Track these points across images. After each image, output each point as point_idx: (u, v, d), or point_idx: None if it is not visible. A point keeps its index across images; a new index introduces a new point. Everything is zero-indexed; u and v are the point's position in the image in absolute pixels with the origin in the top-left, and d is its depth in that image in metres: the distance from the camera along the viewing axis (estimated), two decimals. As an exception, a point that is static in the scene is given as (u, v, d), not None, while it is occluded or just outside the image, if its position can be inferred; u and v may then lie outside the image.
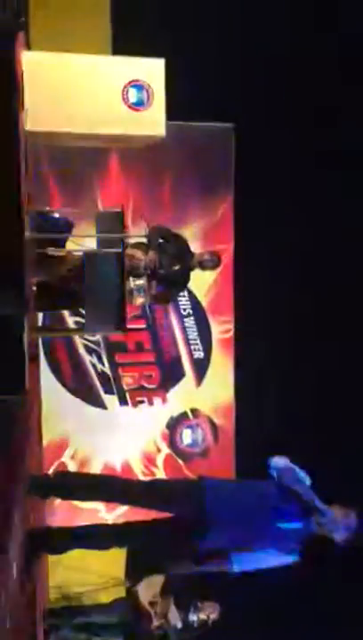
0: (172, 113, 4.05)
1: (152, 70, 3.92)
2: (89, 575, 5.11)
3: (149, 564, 4.16)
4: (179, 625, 4.21)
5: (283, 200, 5.17)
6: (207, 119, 5.20)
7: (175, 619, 4.21)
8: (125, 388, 5.37)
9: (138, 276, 3.76)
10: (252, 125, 5.08)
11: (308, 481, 2.90)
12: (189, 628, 4.24)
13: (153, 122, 3.91)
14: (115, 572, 5.15)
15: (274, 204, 5.16)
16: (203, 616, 4.26)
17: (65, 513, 4.62)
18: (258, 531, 2.80)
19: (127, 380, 5.37)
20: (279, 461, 2.93)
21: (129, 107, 3.87)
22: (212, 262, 3.85)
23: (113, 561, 5.06)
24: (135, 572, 4.41)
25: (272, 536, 2.79)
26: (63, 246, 3.84)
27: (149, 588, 4.30)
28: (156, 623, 4.20)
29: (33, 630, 3.01)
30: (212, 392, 5.55)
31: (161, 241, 3.78)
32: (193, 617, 4.25)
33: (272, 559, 2.86)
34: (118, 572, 5.18)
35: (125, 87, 3.87)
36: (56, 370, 5.21)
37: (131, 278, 3.72)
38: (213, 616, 4.28)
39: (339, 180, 5.05)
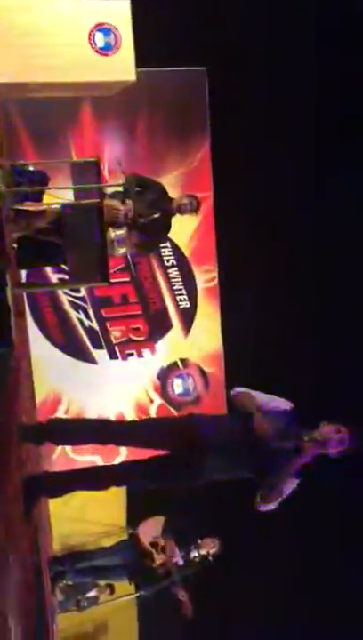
0: (141, 59, 3.96)
1: (118, 12, 3.81)
2: (91, 525, 5.24)
3: (149, 504, 4.26)
4: (181, 562, 4.36)
5: (260, 144, 5.10)
6: (179, 64, 5.08)
7: (177, 556, 4.36)
8: (114, 341, 5.40)
9: (118, 227, 3.72)
10: (225, 68, 4.97)
11: (287, 406, 2.96)
12: (191, 564, 4.40)
13: (122, 66, 3.83)
14: (116, 520, 5.30)
15: (252, 149, 5.09)
16: (203, 552, 4.41)
17: (61, 466, 4.69)
18: (248, 457, 2.86)
19: (115, 334, 5.40)
20: (235, 391, 3.02)
21: (97, 52, 3.78)
22: (191, 206, 3.80)
23: (114, 509, 5.20)
24: (136, 514, 4.52)
25: (262, 460, 2.84)
26: (40, 200, 3.78)
27: (149, 529, 4.43)
28: (158, 562, 4.34)
29: (38, 577, 3.10)
30: (200, 341, 5.59)
31: (138, 189, 3.74)
32: (194, 553, 4.40)
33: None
34: (120, 520, 5.33)
35: (91, 31, 3.76)
36: (44, 328, 5.21)
37: (111, 229, 3.68)
38: (214, 551, 4.43)
39: (315, 120, 4.98)
